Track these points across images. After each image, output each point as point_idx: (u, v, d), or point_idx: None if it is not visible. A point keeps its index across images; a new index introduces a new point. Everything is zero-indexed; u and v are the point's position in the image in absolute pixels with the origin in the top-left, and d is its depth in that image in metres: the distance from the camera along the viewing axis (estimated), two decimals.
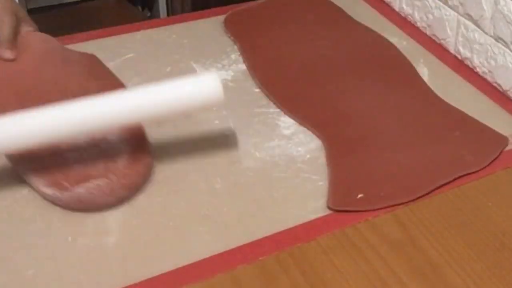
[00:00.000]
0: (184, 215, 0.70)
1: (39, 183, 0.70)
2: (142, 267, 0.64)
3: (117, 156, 0.72)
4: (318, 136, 0.80)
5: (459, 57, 0.97)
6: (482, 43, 0.91)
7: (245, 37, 0.99)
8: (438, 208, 0.71)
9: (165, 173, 0.75)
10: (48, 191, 0.69)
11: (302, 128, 0.82)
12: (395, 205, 0.71)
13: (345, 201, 0.71)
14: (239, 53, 0.97)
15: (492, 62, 0.90)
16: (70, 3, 1.84)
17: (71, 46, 0.95)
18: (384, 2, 1.11)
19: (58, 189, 0.69)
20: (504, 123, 0.83)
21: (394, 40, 1.00)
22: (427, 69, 0.94)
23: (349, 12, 1.07)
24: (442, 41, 0.99)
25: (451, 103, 0.86)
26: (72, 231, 0.67)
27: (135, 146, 0.74)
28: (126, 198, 0.71)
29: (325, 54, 0.96)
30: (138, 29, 1.02)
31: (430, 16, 1.01)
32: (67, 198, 0.69)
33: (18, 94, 0.79)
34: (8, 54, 0.80)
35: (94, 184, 0.69)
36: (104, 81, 0.84)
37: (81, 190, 0.68)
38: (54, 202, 0.70)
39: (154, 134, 0.78)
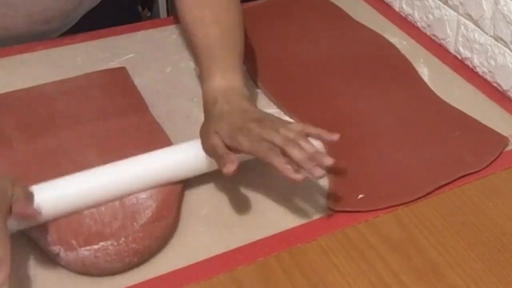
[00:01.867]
0: (184, 215, 0.70)
1: (45, 239, 0.63)
2: (142, 268, 0.64)
3: (139, 213, 0.66)
4: None
5: (459, 57, 0.97)
6: (482, 43, 0.91)
7: (245, 37, 0.99)
8: (438, 208, 0.71)
9: None
10: (53, 248, 0.63)
11: None
12: (395, 205, 0.71)
13: (345, 201, 0.71)
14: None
15: (492, 62, 0.90)
16: None
17: (71, 46, 0.96)
18: (384, 2, 1.11)
19: (64, 248, 0.63)
20: (504, 123, 0.83)
21: (394, 40, 1.00)
22: (427, 69, 0.94)
23: (349, 12, 1.07)
24: (442, 41, 0.99)
25: (451, 103, 0.86)
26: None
27: (162, 202, 0.67)
28: (135, 265, 0.64)
29: (325, 54, 0.96)
30: (138, 29, 1.02)
31: (430, 16, 1.01)
32: (70, 259, 0.62)
33: (28, 127, 0.77)
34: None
35: (101, 246, 0.62)
36: (123, 100, 0.83)
37: (86, 252, 0.62)
38: (54, 260, 0.64)
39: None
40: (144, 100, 0.84)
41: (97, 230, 0.64)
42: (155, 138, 0.76)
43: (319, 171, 0.64)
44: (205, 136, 0.69)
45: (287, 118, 0.83)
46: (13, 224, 0.62)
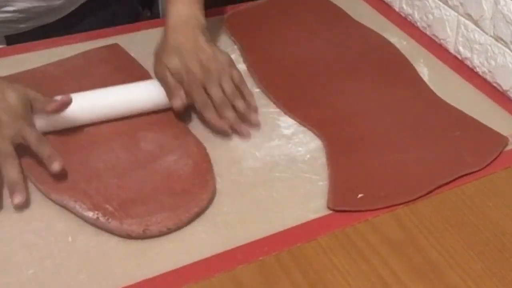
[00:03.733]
0: None
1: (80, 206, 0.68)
2: (141, 266, 0.64)
3: (177, 172, 0.72)
4: (318, 136, 0.80)
5: (459, 57, 0.97)
6: (482, 43, 0.91)
7: (245, 37, 0.99)
8: (438, 208, 0.71)
9: None
10: (89, 214, 0.67)
11: (302, 128, 0.82)
12: (395, 205, 0.71)
13: (345, 201, 0.71)
14: (239, 53, 0.97)
15: (492, 62, 0.90)
16: None
17: (71, 46, 0.96)
18: (384, 2, 1.11)
19: (102, 213, 0.67)
20: (504, 123, 0.83)
21: (394, 40, 1.00)
22: (427, 69, 0.94)
23: (349, 12, 1.07)
24: (442, 41, 0.99)
25: (451, 103, 0.86)
26: (72, 232, 0.67)
27: (196, 157, 0.74)
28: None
29: (325, 54, 0.96)
30: (138, 29, 1.02)
31: (430, 16, 1.01)
32: (112, 226, 0.67)
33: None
34: (18, 198, 0.69)
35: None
36: (128, 71, 0.88)
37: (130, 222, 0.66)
38: (94, 225, 0.68)
39: None
40: (147, 70, 0.88)
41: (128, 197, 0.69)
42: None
43: (245, 131, 0.79)
44: (157, 62, 0.82)
45: (287, 118, 0.83)
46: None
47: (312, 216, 0.69)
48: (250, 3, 1.09)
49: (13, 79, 0.84)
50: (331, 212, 0.70)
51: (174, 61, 0.80)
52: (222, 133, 0.79)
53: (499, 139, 0.80)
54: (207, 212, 0.70)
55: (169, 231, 0.67)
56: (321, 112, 0.84)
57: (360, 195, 0.71)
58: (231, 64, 0.83)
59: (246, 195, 0.72)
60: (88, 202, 0.68)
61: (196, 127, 0.81)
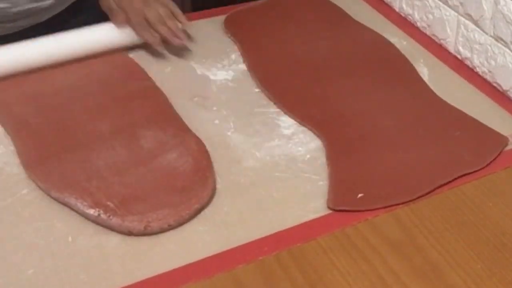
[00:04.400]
0: None
1: (81, 203, 0.69)
2: (141, 266, 0.64)
3: (177, 170, 0.73)
4: (318, 136, 0.80)
5: (459, 57, 0.97)
6: (482, 43, 0.91)
7: (245, 37, 0.99)
8: (438, 208, 0.71)
9: None
10: (91, 211, 0.68)
11: (302, 128, 0.82)
12: (395, 204, 0.71)
13: (345, 201, 0.71)
14: (239, 53, 0.97)
15: (492, 62, 0.90)
16: None
17: None
18: (384, 2, 1.11)
19: (103, 210, 0.68)
20: (504, 123, 0.83)
21: (394, 40, 1.00)
22: (427, 69, 0.94)
23: (349, 12, 1.07)
24: (442, 41, 0.99)
25: (451, 103, 0.86)
26: (72, 231, 0.67)
27: (196, 154, 0.75)
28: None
29: (325, 54, 0.96)
30: None
31: (430, 16, 1.01)
32: (113, 223, 0.67)
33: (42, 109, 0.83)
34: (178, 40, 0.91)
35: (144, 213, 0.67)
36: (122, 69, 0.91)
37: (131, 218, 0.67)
38: (95, 222, 0.68)
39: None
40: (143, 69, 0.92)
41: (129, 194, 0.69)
42: (160, 103, 0.85)
43: (176, 40, 0.93)
44: (102, 2, 0.95)
45: (287, 118, 0.83)
46: None
47: (312, 216, 0.69)
48: (250, 3, 1.09)
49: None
50: (331, 212, 0.70)
51: (136, 4, 0.91)
52: (155, 47, 0.93)
53: (499, 139, 0.80)
54: (207, 212, 0.70)
55: (170, 228, 0.67)
56: (321, 112, 0.84)
57: (360, 195, 0.71)
58: (164, 2, 0.95)
59: (246, 195, 0.72)
60: (89, 200, 0.68)
61: (196, 127, 0.81)
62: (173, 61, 0.94)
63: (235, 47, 0.98)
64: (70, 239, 0.66)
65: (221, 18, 1.05)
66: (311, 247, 0.66)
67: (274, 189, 0.73)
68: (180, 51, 0.96)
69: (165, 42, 0.92)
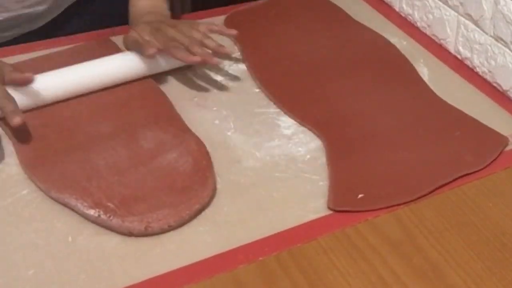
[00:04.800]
0: None
1: (81, 204, 0.68)
2: (142, 267, 0.64)
3: (177, 170, 0.73)
4: (318, 136, 0.80)
5: (459, 57, 0.97)
6: (482, 43, 0.91)
7: (245, 37, 0.99)
8: (439, 208, 0.71)
9: None
10: (91, 212, 0.68)
11: (302, 128, 0.82)
12: (396, 205, 0.71)
13: (345, 201, 0.71)
14: (239, 53, 0.97)
15: (492, 62, 0.90)
16: None
17: (70, 47, 0.95)
18: (384, 2, 1.11)
19: (103, 211, 0.68)
20: (504, 123, 0.83)
21: (394, 40, 1.00)
22: (427, 69, 0.94)
23: (349, 12, 1.07)
24: (442, 41, 0.99)
25: (451, 103, 0.86)
26: (72, 231, 0.67)
27: (197, 154, 0.75)
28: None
29: (325, 54, 0.96)
30: None
31: (430, 16, 1.01)
32: (113, 224, 0.67)
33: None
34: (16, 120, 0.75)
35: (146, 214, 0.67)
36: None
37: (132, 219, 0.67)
38: (95, 222, 0.68)
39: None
40: None
41: (129, 194, 0.69)
42: (160, 103, 0.85)
43: (216, 60, 0.85)
44: (126, 38, 0.90)
45: (287, 118, 0.83)
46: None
47: (312, 216, 0.69)
48: (250, 3, 1.09)
49: None
50: (331, 212, 0.70)
51: (145, 28, 0.88)
52: (195, 64, 0.89)
53: (499, 139, 0.80)
54: (208, 212, 0.70)
55: (170, 228, 0.67)
56: (321, 112, 0.84)
57: (360, 195, 0.71)
58: (195, 22, 0.91)
59: (246, 195, 0.72)
60: (89, 200, 0.68)
61: (196, 127, 0.81)
62: None
63: (235, 47, 0.98)
64: (70, 239, 0.66)
65: (221, 18, 1.05)
66: (311, 247, 0.66)
67: (274, 189, 0.73)
68: None
69: (202, 63, 0.87)
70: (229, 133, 0.81)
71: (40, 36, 0.98)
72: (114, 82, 0.85)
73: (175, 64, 0.89)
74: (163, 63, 0.88)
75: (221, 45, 0.87)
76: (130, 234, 0.66)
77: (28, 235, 0.67)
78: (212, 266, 0.64)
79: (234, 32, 0.90)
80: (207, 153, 0.76)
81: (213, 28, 0.90)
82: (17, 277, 0.62)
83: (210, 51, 0.86)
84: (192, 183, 0.71)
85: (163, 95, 0.86)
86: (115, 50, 0.93)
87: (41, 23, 1.00)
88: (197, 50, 0.84)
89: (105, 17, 1.05)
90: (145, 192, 0.70)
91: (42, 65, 0.87)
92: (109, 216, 0.66)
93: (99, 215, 0.67)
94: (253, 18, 1.05)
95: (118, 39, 0.97)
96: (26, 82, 0.79)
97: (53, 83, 0.82)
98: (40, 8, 0.98)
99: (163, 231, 0.67)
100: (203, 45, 0.86)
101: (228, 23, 1.03)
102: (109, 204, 0.68)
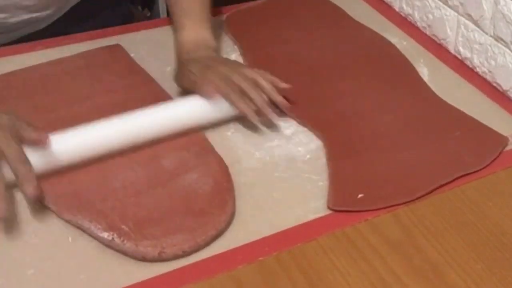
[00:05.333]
0: None
1: (94, 226, 0.65)
2: (142, 267, 0.64)
3: (195, 192, 0.70)
4: (318, 136, 0.80)
5: (459, 57, 0.97)
6: (482, 43, 0.91)
7: (245, 37, 0.99)
8: (438, 208, 0.71)
9: None
10: (105, 235, 0.65)
11: (302, 128, 0.82)
12: (395, 205, 0.71)
13: (345, 201, 0.71)
14: (239, 53, 0.97)
15: (492, 62, 0.90)
16: None
17: (71, 46, 0.96)
18: (384, 2, 1.11)
19: (117, 234, 0.65)
20: (504, 123, 0.83)
21: (394, 40, 1.00)
22: (427, 69, 0.94)
23: (349, 12, 1.07)
24: (442, 41, 0.99)
25: (451, 103, 0.86)
26: (72, 231, 0.67)
27: (217, 174, 0.72)
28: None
29: (325, 54, 0.96)
30: (138, 29, 1.02)
31: (430, 16, 1.01)
32: (127, 248, 0.64)
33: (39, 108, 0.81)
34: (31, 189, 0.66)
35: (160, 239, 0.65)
36: (130, 76, 0.87)
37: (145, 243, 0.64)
38: (108, 246, 0.65)
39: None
40: (149, 74, 0.89)
41: (144, 216, 0.67)
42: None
43: (273, 115, 0.79)
44: (181, 76, 0.84)
45: (287, 118, 0.83)
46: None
47: (312, 216, 0.69)
48: (250, 3, 1.09)
49: (8, 78, 0.85)
50: (331, 212, 0.70)
51: (196, 66, 0.81)
52: (249, 119, 0.78)
53: (499, 139, 0.80)
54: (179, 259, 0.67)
55: (185, 254, 0.64)
56: (321, 112, 0.84)
57: (360, 195, 0.71)
58: (243, 67, 0.85)
59: (246, 195, 0.72)
60: (104, 222, 0.66)
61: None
62: (173, 61, 0.94)
63: (235, 47, 0.98)
64: (70, 239, 0.66)
65: (221, 18, 1.05)
66: (311, 247, 0.66)
67: (274, 189, 0.73)
68: None
69: (258, 113, 0.79)
70: (229, 133, 0.81)
71: (46, 35, 0.98)
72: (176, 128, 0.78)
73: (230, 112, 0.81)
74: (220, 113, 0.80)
75: (274, 88, 0.80)
76: (143, 259, 0.64)
77: (28, 235, 0.67)
78: (212, 266, 0.64)
79: (285, 85, 0.82)
80: (229, 175, 0.73)
81: (266, 78, 0.82)
82: (17, 277, 0.62)
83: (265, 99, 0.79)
84: (209, 207, 0.68)
85: (170, 98, 0.84)
86: (125, 58, 0.91)
87: (45, 24, 1.01)
88: (256, 98, 0.78)
89: (109, 19, 1.05)
90: (161, 214, 0.67)
91: (55, 70, 0.87)
92: (123, 240, 0.64)
93: (112, 239, 0.64)
94: (253, 18, 1.05)
95: (120, 38, 0.98)
96: (43, 143, 0.69)
97: (77, 143, 0.72)
98: (45, 12, 0.98)
99: (176, 257, 0.64)
100: (257, 85, 0.79)
101: (228, 23, 1.04)
102: (123, 226, 0.65)
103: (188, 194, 0.70)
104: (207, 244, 0.65)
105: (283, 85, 0.81)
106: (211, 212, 0.68)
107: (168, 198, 0.69)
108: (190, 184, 0.71)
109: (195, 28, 0.88)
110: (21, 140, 0.68)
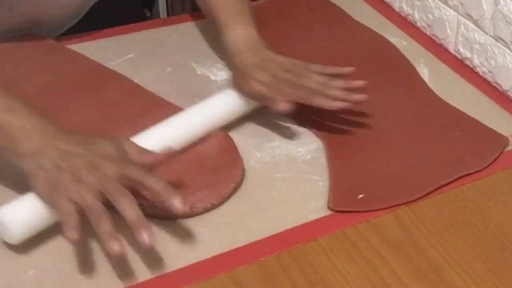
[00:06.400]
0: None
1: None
2: (142, 267, 0.64)
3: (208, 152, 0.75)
4: (318, 137, 0.80)
5: (459, 57, 0.97)
6: (482, 43, 0.91)
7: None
8: (439, 208, 0.71)
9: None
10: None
11: (302, 129, 0.82)
12: (396, 205, 0.71)
13: (345, 201, 0.71)
14: None
15: (492, 62, 0.90)
16: None
17: (71, 47, 0.96)
18: (384, 2, 1.11)
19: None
20: (504, 123, 0.83)
21: (394, 40, 1.00)
22: (427, 69, 0.94)
23: (349, 12, 1.07)
24: (442, 41, 0.99)
25: (451, 103, 0.86)
26: None
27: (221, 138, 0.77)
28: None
29: (325, 54, 0.96)
30: (138, 29, 1.02)
31: (430, 16, 1.01)
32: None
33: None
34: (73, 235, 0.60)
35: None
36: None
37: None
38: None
39: None
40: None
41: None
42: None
43: (357, 97, 0.78)
44: (243, 82, 0.80)
45: (286, 118, 0.83)
46: None
47: (312, 216, 0.69)
48: (250, 3, 1.09)
49: None
50: (331, 212, 0.70)
51: (262, 74, 0.79)
52: (337, 109, 0.78)
53: (499, 139, 0.80)
54: (207, 213, 0.70)
55: (213, 207, 0.69)
56: (321, 112, 0.84)
57: (360, 196, 0.71)
58: (302, 61, 0.84)
59: (246, 195, 0.72)
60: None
61: None
62: (173, 61, 0.94)
63: None
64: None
65: None
66: (311, 248, 0.66)
67: (274, 189, 0.73)
68: (180, 51, 0.96)
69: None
70: (229, 133, 0.81)
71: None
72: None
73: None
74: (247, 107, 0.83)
75: (349, 82, 0.80)
76: (175, 216, 0.67)
77: None
78: (212, 266, 0.64)
79: (356, 83, 0.80)
80: (228, 135, 0.78)
81: (329, 70, 0.83)
82: (17, 277, 0.62)
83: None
84: (222, 165, 0.73)
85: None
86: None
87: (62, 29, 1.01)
88: (334, 93, 0.78)
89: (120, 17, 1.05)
90: (179, 179, 0.70)
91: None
92: (153, 202, 0.66)
93: (141, 204, 0.63)
94: (253, 18, 1.05)
95: (120, 39, 0.98)
96: (167, 159, 0.68)
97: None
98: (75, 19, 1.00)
99: (205, 211, 0.69)
100: (329, 86, 0.79)
101: None
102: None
103: (198, 156, 0.74)
104: (230, 196, 0.71)
105: (356, 83, 0.80)
106: (225, 169, 0.73)
107: (180, 161, 0.72)
108: (195, 147, 0.75)
109: (244, 29, 0.86)
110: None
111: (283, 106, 0.75)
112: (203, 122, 0.77)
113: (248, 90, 0.79)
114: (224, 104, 0.81)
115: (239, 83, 0.81)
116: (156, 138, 0.73)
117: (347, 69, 0.82)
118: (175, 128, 0.76)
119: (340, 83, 0.79)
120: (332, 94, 0.77)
